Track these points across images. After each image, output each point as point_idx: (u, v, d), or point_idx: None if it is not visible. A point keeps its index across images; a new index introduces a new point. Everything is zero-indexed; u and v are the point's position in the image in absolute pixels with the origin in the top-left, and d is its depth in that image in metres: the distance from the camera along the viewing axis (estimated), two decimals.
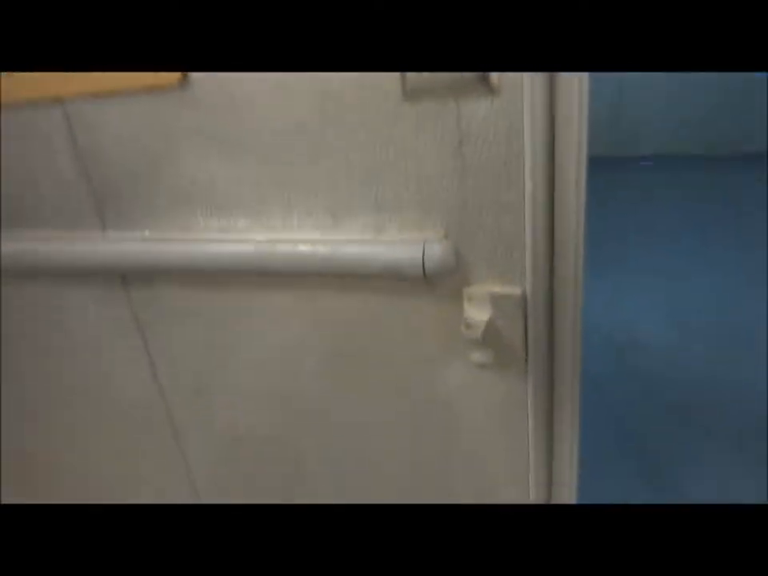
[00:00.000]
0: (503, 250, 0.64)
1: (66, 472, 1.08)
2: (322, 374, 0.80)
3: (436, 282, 0.68)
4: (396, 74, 0.59)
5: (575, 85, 0.55)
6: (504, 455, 0.77)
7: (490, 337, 0.68)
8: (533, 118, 0.56)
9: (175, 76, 0.66)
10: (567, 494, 0.80)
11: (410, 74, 0.59)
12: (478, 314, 0.68)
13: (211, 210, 0.73)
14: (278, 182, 0.69)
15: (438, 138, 0.61)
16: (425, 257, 0.64)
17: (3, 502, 1.09)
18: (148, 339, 0.87)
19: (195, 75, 0.66)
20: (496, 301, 0.67)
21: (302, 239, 0.70)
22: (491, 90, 0.57)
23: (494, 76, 0.56)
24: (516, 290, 0.66)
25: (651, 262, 3.19)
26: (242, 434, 0.91)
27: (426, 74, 0.58)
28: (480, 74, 0.56)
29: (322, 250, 0.68)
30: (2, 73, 0.71)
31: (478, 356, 0.70)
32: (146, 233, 0.77)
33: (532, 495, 0.79)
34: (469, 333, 0.66)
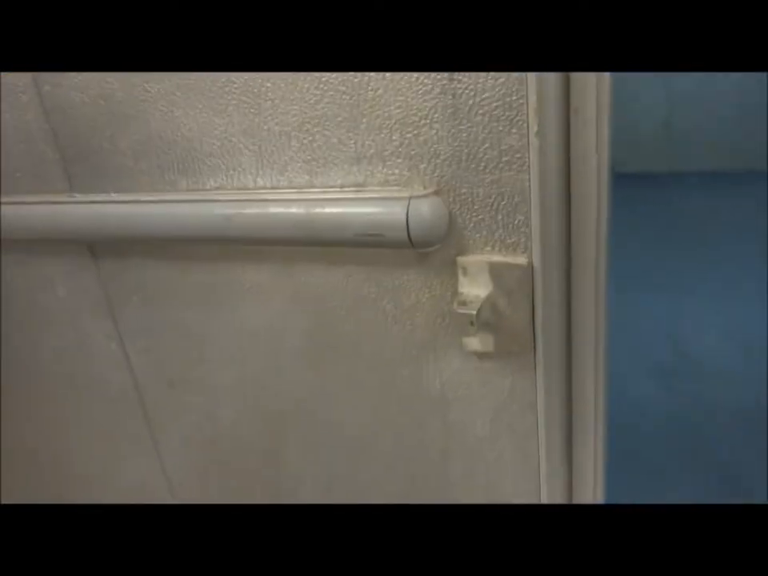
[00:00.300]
0: (505, 209, 0.53)
1: (41, 458, 1.02)
2: (301, 364, 0.70)
3: (425, 250, 0.57)
4: None
5: None
6: (510, 464, 0.64)
7: (490, 318, 0.56)
8: None
9: None
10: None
11: None
12: (475, 289, 0.56)
13: (178, 168, 0.65)
14: (248, 131, 0.60)
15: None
16: (409, 217, 0.53)
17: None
18: (118, 322, 0.79)
19: None
20: (496, 273, 0.55)
21: (274, 199, 0.60)
22: None
23: None
24: (521, 260, 0.54)
25: (697, 280, 2.99)
26: (218, 428, 0.81)
27: None
28: None
29: (295, 210, 0.59)
30: None
31: (474, 341, 0.58)
32: (113, 195, 0.69)
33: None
34: (463, 311, 0.55)
